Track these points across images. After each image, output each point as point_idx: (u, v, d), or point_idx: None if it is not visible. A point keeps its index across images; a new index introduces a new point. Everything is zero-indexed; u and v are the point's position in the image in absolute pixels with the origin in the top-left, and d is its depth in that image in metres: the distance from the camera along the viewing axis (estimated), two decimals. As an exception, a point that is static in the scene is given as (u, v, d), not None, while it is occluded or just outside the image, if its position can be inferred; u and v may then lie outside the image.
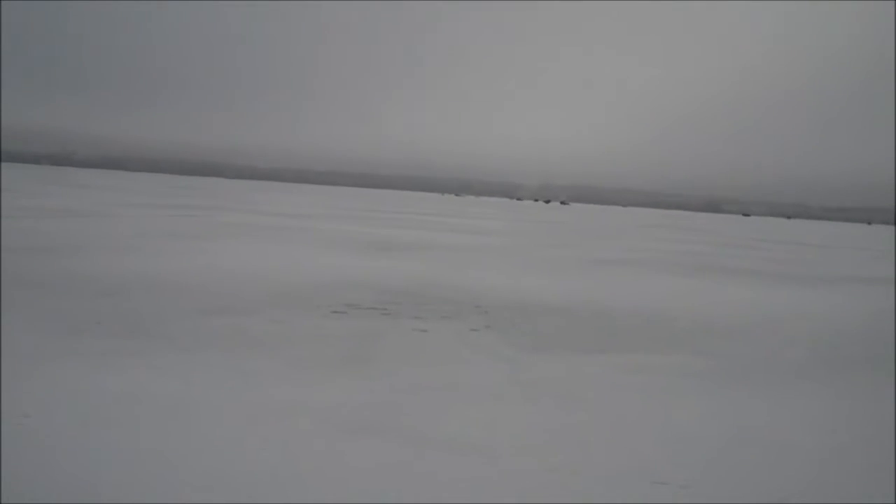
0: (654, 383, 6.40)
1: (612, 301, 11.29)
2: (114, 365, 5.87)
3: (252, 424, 4.67)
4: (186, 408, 4.91)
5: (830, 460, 4.72)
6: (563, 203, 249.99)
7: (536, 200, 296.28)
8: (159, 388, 5.34)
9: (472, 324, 8.67)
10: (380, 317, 8.74)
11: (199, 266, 12.40)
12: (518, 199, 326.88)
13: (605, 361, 7.13)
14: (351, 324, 8.22)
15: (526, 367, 6.71)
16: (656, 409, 5.64)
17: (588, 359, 7.20)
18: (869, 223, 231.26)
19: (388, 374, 6.16)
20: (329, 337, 7.47)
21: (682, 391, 6.20)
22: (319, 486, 3.80)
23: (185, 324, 7.66)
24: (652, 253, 23.66)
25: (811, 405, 6.03)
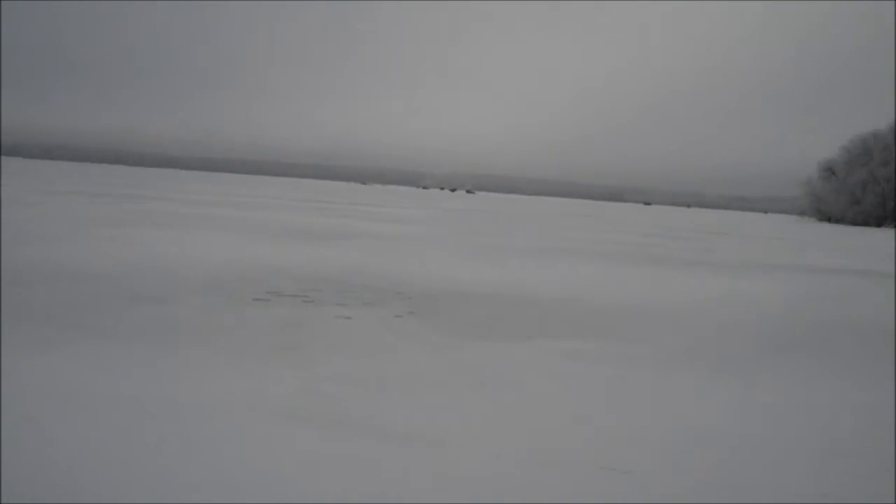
0: (583, 369, 6.54)
1: (535, 288, 11.44)
2: (38, 355, 5.59)
3: (180, 414, 4.52)
4: (111, 398, 4.72)
5: (770, 445, 4.91)
6: (468, 192, 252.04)
7: (442, 189, 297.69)
8: (83, 377, 5.11)
9: (396, 310, 8.64)
10: (302, 304, 8.61)
11: (121, 254, 11.95)
12: (424, 187, 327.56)
13: (533, 347, 7.22)
14: (274, 311, 8.07)
15: (451, 351, 6.74)
16: (580, 393, 5.75)
17: (515, 345, 7.27)
18: (765, 212, 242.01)
19: (315, 361, 6.07)
20: (252, 324, 7.31)
21: (594, 373, 6.34)
22: (254, 475, 3.72)
23: (108, 313, 7.37)
24: (571, 242, 24.10)
25: (751, 390, 6.25)
